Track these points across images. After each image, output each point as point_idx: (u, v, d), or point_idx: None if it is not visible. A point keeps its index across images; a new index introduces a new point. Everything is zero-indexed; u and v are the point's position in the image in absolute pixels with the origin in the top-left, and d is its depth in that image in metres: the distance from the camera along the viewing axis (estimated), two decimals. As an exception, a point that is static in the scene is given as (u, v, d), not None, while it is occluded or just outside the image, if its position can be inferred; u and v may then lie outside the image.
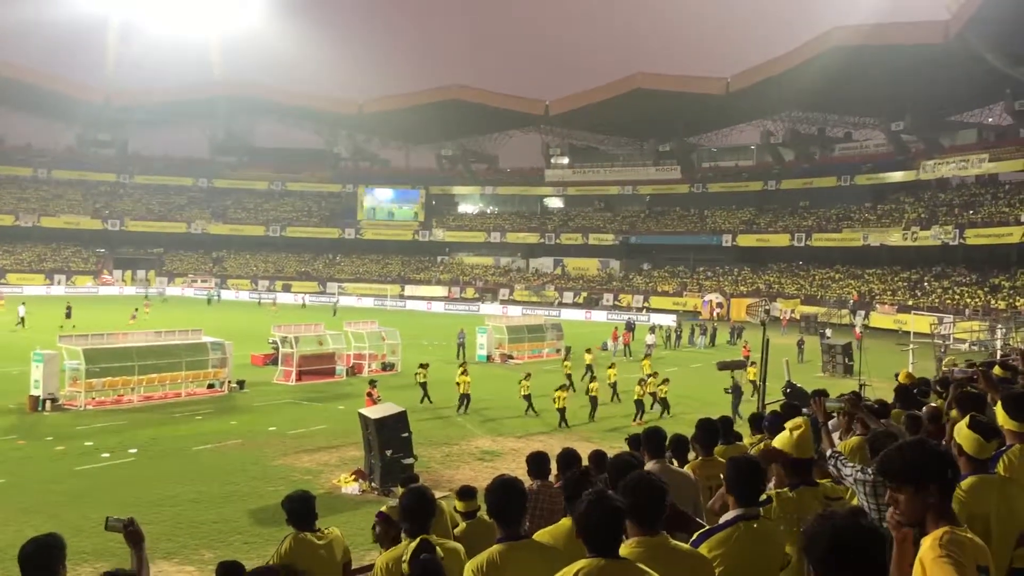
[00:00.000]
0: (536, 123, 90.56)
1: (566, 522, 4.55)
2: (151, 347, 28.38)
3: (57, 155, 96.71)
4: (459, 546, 5.24)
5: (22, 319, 46.46)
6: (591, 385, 26.22)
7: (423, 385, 27.40)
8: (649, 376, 27.77)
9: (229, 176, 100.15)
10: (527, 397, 26.04)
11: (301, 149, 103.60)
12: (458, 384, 26.57)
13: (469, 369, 27.95)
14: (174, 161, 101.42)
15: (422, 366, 27.98)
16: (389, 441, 17.39)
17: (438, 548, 4.61)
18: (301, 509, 5.82)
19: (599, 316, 69.07)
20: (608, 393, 28.27)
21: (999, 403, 4.96)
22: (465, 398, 26.37)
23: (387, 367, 34.94)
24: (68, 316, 48.98)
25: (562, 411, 24.57)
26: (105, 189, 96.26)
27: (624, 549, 3.56)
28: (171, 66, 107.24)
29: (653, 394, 26.51)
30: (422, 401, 26.65)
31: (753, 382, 28.19)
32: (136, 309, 53.42)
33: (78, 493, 16.55)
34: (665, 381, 27.09)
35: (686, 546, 3.83)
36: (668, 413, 25.84)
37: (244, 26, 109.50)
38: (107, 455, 19.80)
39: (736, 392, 25.23)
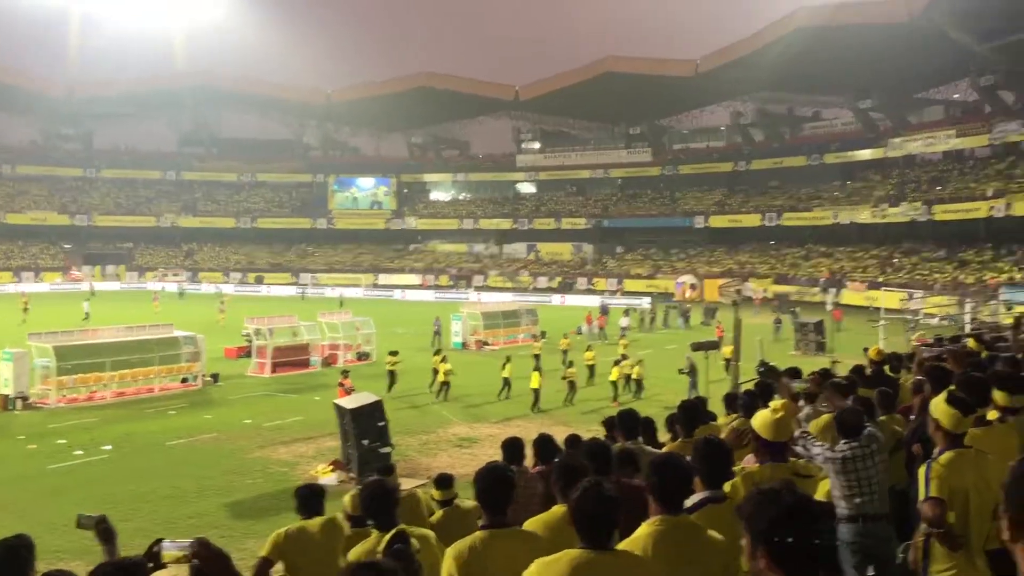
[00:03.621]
0: (506, 108, 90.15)
1: (558, 510, 4.41)
2: (122, 343, 28.09)
3: (21, 150, 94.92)
4: (430, 533, 5.23)
5: (87, 315, 46.01)
6: (569, 371, 26.25)
7: (391, 373, 27.04)
8: (623, 358, 28.00)
9: (197, 168, 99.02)
10: (506, 380, 26.23)
11: (270, 140, 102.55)
12: (436, 371, 26.58)
13: (447, 357, 27.95)
14: (141, 154, 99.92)
15: (392, 354, 27.73)
16: (366, 430, 17.36)
17: (413, 539, 4.58)
18: (308, 501, 6.03)
19: (574, 300, 69.09)
20: (586, 376, 28.40)
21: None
22: (445, 386, 26.37)
23: (362, 356, 34.78)
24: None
25: (536, 392, 24.70)
26: (71, 184, 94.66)
27: (564, 560, 3.27)
28: (135, 59, 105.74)
29: (627, 376, 26.74)
30: (389, 390, 26.06)
31: (728, 360, 28.44)
32: (222, 302, 52.80)
33: (52, 491, 16.36)
34: (640, 362, 27.37)
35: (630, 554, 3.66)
36: (639, 396, 26.02)
37: (209, 17, 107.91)
38: (80, 452, 19.59)
39: (692, 372, 25.43)
